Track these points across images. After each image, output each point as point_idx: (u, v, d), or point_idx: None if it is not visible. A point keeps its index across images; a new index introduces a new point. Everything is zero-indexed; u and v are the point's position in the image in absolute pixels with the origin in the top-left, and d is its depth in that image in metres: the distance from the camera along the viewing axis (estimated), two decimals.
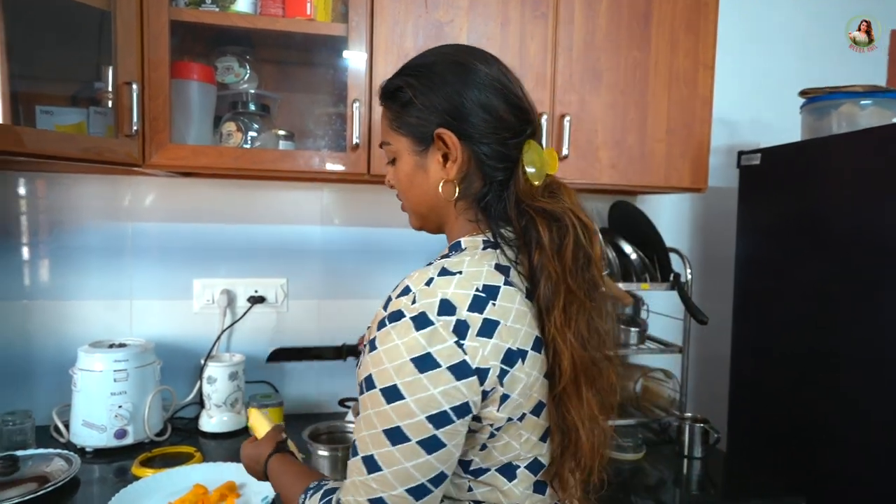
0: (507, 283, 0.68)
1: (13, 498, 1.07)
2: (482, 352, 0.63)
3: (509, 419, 0.66)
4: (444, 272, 0.66)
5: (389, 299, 0.67)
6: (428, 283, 0.65)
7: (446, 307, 0.63)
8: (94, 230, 1.49)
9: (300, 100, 1.50)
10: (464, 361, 0.62)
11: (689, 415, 1.46)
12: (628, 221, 1.64)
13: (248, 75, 1.38)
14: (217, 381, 1.47)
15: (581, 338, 0.69)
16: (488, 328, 0.64)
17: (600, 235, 1.59)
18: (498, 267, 0.69)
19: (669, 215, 1.88)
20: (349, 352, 1.09)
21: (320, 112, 1.48)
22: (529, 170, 0.73)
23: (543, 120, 1.37)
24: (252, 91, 1.36)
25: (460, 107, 0.72)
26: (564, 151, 1.38)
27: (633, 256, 1.58)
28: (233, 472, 1.21)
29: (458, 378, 0.62)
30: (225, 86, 1.37)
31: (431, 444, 0.62)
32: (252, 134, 1.31)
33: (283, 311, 1.62)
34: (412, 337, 0.62)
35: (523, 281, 0.70)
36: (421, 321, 0.62)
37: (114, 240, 1.50)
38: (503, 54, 1.36)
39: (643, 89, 1.43)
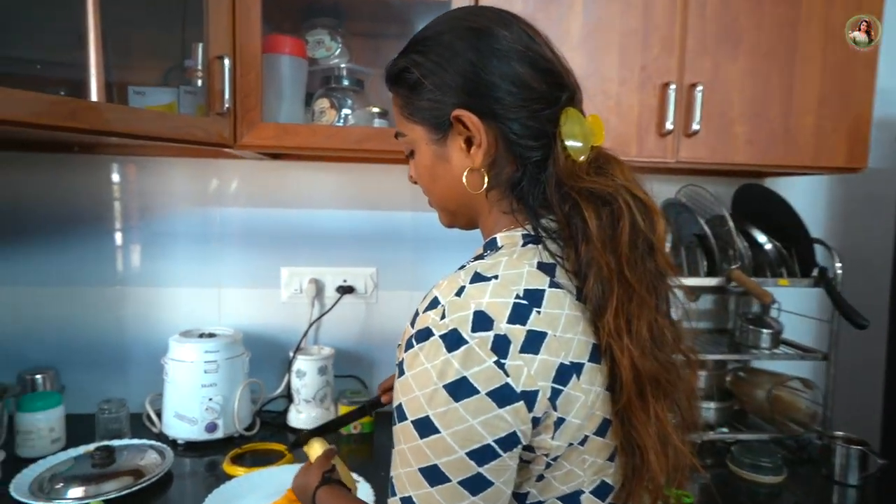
0: (552, 284, 0.57)
1: (111, 492, 1.05)
2: (527, 371, 0.52)
3: (569, 445, 0.54)
4: (476, 278, 0.55)
5: (417, 313, 0.56)
6: (459, 293, 0.54)
7: (481, 321, 0.52)
8: (183, 216, 1.45)
9: None
10: (506, 385, 0.52)
11: (840, 433, 1.25)
12: (760, 207, 1.43)
13: (339, 49, 1.28)
14: (306, 376, 1.40)
15: (642, 341, 0.57)
16: (534, 342, 0.53)
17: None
18: (541, 266, 0.58)
19: (805, 201, 1.63)
20: (373, 406, 1.03)
21: None
22: (571, 144, 0.60)
23: (671, 90, 1.18)
24: (344, 66, 1.26)
25: (478, 80, 0.61)
26: (694, 126, 1.20)
27: (769, 247, 1.37)
28: None
29: (501, 405, 0.52)
30: (315, 61, 1.28)
31: (476, 484, 0.52)
32: (346, 111, 1.21)
33: (372, 303, 1.53)
34: (443, 359, 0.52)
35: (572, 279, 0.58)
36: (452, 340, 0.52)
37: (202, 226, 1.45)
38: (625, 14, 1.20)
39: (790, 52, 1.22)
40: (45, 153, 1.37)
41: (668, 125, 1.19)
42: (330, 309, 1.49)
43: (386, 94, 1.38)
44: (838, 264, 1.33)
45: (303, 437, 0.95)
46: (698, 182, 1.49)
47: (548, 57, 0.62)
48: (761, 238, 1.37)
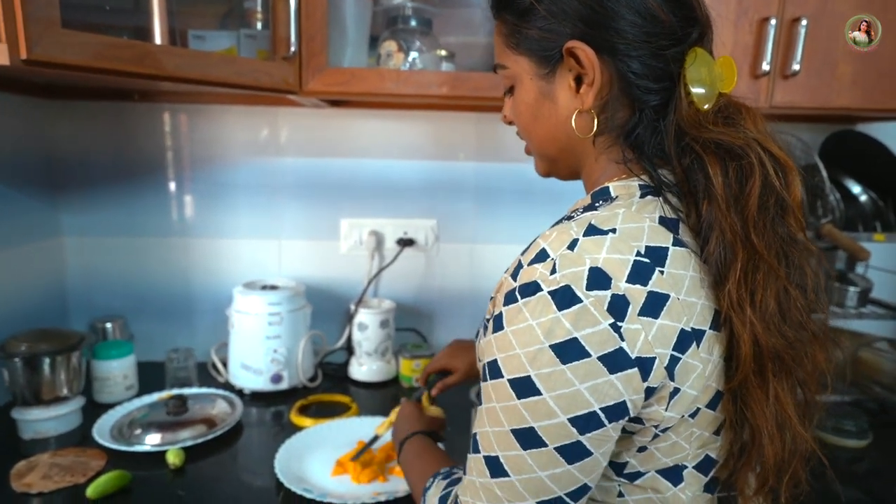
0: (676, 242, 0.52)
1: (186, 440, 1.07)
2: (645, 336, 0.48)
3: (681, 417, 0.51)
4: (591, 230, 0.50)
5: (520, 265, 0.51)
6: (571, 247, 0.49)
7: (598, 278, 0.48)
8: (241, 166, 1.42)
9: (461, 15, 1.30)
10: (620, 349, 0.47)
11: None
12: (853, 156, 1.32)
13: None
14: (368, 329, 1.39)
15: (768, 315, 0.52)
16: (655, 304, 0.48)
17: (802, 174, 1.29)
18: (663, 221, 0.52)
19: None
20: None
21: (484, 30, 1.27)
22: (696, 91, 0.53)
23: (771, 26, 1.07)
24: (410, 4, 1.18)
25: (600, 8, 0.54)
26: (794, 66, 1.09)
27: (863, 199, 1.27)
28: None
29: (613, 371, 0.48)
30: (378, 0, 1.20)
31: (574, 452, 0.49)
32: (414, 54, 1.14)
33: (433, 255, 1.49)
34: (553, 317, 0.48)
35: (696, 238, 0.53)
36: (565, 297, 0.48)
37: (260, 176, 1.42)
38: None
39: None
40: (105, 101, 1.34)
41: (765, 66, 1.09)
42: (391, 262, 1.46)
43: (452, 35, 1.31)
44: None
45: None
46: (785, 129, 1.38)
47: None
48: (856, 189, 1.28)
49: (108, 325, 1.37)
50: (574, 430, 0.48)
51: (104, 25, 1.07)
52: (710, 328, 0.51)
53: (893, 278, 1.36)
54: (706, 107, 0.54)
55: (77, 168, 1.37)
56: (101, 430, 1.10)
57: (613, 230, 0.50)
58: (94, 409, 1.18)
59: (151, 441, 1.07)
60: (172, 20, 1.02)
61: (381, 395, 1.36)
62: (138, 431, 1.09)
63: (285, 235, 1.46)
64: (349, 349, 1.45)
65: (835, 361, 1.35)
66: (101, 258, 1.41)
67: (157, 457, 1.02)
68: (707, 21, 0.57)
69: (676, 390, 0.50)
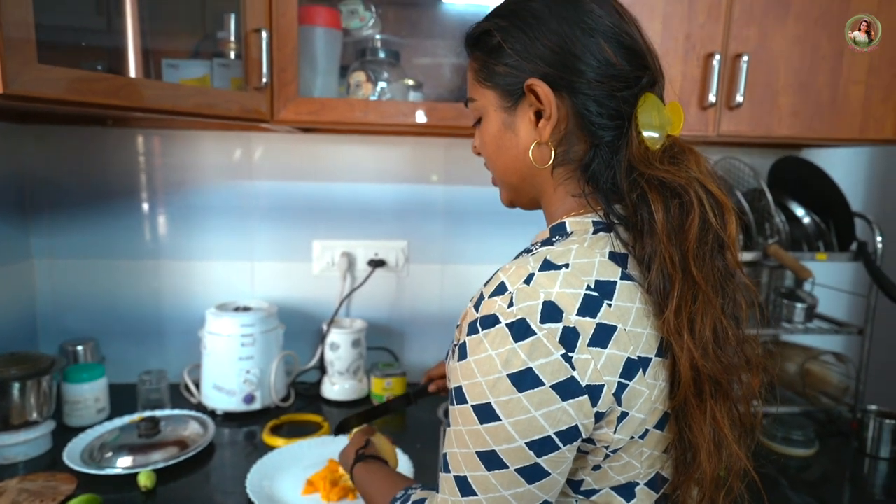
0: (624, 276, 0.55)
1: (158, 462, 1.08)
2: (594, 365, 0.51)
3: (630, 438, 0.54)
4: (546, 265, 0.54)
5: (482, 297, 0.55)
6: (528, 281, 0.53)
7: (551, 311, 0.51)
8: (215, 189, 1.44)
9: (427, 46, 1.36)
10: (572, 378, 0.51)
11: (874, 407, 1.25)
12: (799, 180, 1.40)
13: (372, 20, 1.25)
14: (340, 349, 1.41)
15: (705, 341, 0.55)
16: (603, 335, 0.52)
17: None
18: (612, 256, 0.56)
19: (843, 173, 1.60)
20: (418, 395, 1.04)
21: (449, 61, 1.33)
22: (647, 133, 0.58)
23: (716, 61, 1.15)
24: (379, 37, 1.23)
25: (561, 51, 0.58)
26: (738, 98, 1.17)
27: (806, 220, 1.35)
28: None
29: (565, 398, 0.51)
30: (348, 32, 1.25)
31: (533, 473, 0.52)
32: (382, 85, 1.19)
33: (403, 276, 1.53)
34: (509, 348, 0.51)
35: (643, 271, 0.56)
36: (520, 329, 0.51)
37: (233, 199, 1.45)
38: None
39: (842, 18, 1.17)
40: (79, 126, 1.36)
41: (711, 98, 1.17)
42: (362, 283, 1.50)
43: (420, 66, 1.37)
44: (879, 238, 1.31)
45: (345, 423, 0.97)
46: (735, 154, 1.47)
47: (633, 35, 0.60)
48: (799, 211, 1.36)
49: (80, 347, 1.37)
50: (531, 453, 0.51)
51: (79, 54, 1.10)
52: (655, 355, 0.55)
53: (838, 295, 1.45)
54: (656, 147, 0.59)
55: (49, 191, 1.38)
56: (72, 454, 1.10)
57: (566, 265, 0.54)
58: (64, 433, 1.18)
59: (123, 464, 1.07)
60: (147, 47, 1.04)
61: (356, 411, 1.38)
62: (109, 454, 1.10)
63: (258, 257, 1.49)
64: (322, 368, 1.48)
65: (783, 379, 1.40)
66: (73, 281, 1.42)
67: (129, 479, 1.03)
68: (658, 71, 0.63)
69: (624, 414, 0.53)
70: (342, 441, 1.18)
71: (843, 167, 1.60)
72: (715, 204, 0.57)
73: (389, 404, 1.04)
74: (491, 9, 0.65)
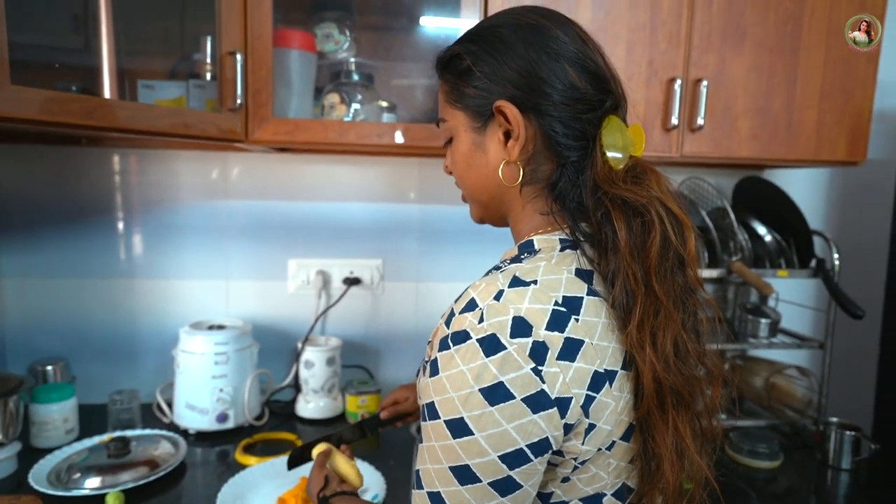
0: (590, 292, 0.57)
1: (127, 482, 1.07)
2: (563, 378, 0.53)
3: (598, 449, 0.56)
4: (515, 282, 0.55)
5: (452, 314, 0.56)
6: (497, 297, 0.54)
7: (521, 326, 0.53)
8: (190, 208, 1.45)
9: (401, 69, 1.40)
10: (542, 391, 0.52)
11: (835, 419, 1.29)
12: (760, 199, 1.46)
13: (347, 43, 1.29)
14: (315, 367, 1.42)
15: (666, 354, 0.57)
16: (571, 349, 0.54)
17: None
18: (579, 273, 0.58)
19: (804, 193, 1.67)
20: (373, 425, 1.04)
21: (421, 83, 1.37)
22: (611, 154, 0.61)
23: (677, 85, 1.20)
24: (353, 60, 1.26)
25: (528, 75, 0.61)
26: (699, 121, 1.22)
27: (768, 239, 1.40)
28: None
29: (536, 411, 0.52)
30: (323, 55, 1.28)
31: (506, 486, 0.53)
32: (356, 106, 1.22)
33: (378, 294, 1.55)
34: (480, 363, 0.52)
35: (608, 287, 0.58)
36: (490, 344, 0.53)
37: (209, 218, 1.46)
38: (633, 9, 1.21)
39: (795, 47, 1.24)
40: (53, 146, 1.36)
41: (674, 120, 1.21)
42: (337, 301, 1.51)
43: (393, 88, 1.40)
44: (836, 255, 1.36)
45: (297, 454, 0.96)
46: (700, 174, 1.52)
47: (597, 61, 0.63)
48: (761, 230, 1.40)
49: (49, 367, 1.36)
50: (504, 466, 0.52)
51: (55, 74, 1.10)
52: (621, 368, 0.57)
53: (800, 311, 1.49)
54: (620, 167, 0.62)
55: (21, 210, 1.37)
56: (38, 476, 1.08)
57: (535, 282, 0.55)
58: (31, 455, 1.16)
59: (91, 485, 1.06)
60: (123, 68, 1.06)
61: (327, 432, 1.38)
62: (77, 475, 1.08)
63: (233, 276, 1.49)
64: (296, 386, 1.47)
65: (748, 379, 1.42)
66: (43, 300, 1.41)
67: (96, 501, 1.01)
68: (621, 95, 0.66)
69: (592, 426, 0.55)
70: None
71: (803, 187, 1.67)
72: (675, 222, 0.59)
73: (343, 435, 1.03)
74: (461, 34, 0.68)
